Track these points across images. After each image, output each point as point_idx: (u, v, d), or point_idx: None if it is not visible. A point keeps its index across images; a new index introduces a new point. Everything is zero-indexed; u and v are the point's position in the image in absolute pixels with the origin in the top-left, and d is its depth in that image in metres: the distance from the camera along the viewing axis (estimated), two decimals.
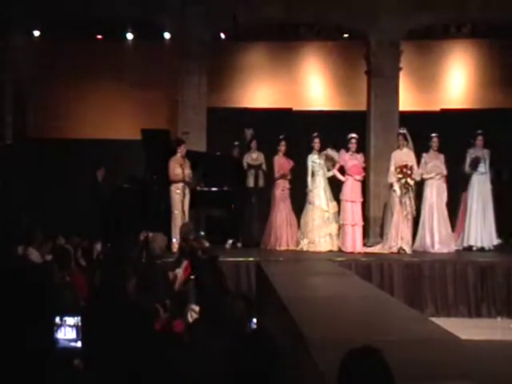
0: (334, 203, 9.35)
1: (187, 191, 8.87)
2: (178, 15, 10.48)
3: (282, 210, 9.47)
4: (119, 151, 11.10)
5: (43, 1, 10.27)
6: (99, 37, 11.51)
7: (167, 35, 10.92)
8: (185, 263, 6.36)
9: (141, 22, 10.81)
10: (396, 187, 9.00)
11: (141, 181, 9.45)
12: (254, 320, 3.49)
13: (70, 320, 4.41)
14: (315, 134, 9.44)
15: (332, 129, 10.37)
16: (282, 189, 9.51)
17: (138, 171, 9.88)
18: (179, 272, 6.26)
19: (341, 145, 9.41)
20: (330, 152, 9.39)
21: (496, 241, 9.27)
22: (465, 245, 9.42)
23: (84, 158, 10.81)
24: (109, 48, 11.46)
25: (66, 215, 10.22)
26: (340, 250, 9.08)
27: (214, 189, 9.47)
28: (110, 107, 11.69)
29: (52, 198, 10.80)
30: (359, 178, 9.28)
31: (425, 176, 9.26)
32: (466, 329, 6.66)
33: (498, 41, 11.56)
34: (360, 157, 9.41)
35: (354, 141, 9.29)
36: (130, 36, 11.35)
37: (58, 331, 4.34)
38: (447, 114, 11.46)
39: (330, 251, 9.08)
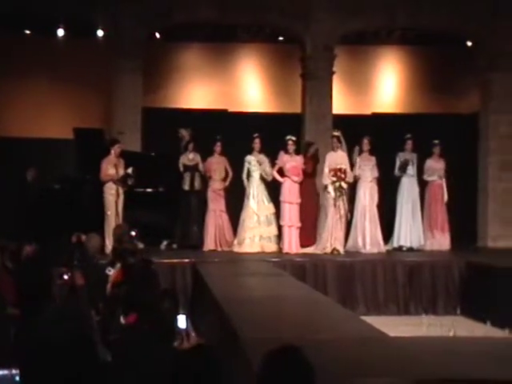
0: (270, 205, 9.46)
1: (121, 192, 8.76)
2: (112, 13, 10.33)
3: (211, 211, 9.50)
4: (51, 151, 10.83)
5: None
6: (28, 32, 11.15)
7: (100, 33, 10.72)
8: (118, 266, 6.29)
9: (72, 18, 10.56)
10: (330, 189, 9.21)
11: (73, 181, 9.26)
12: (181, 317, 3.51)
13: None
14: (256, 135, 9.52)
15: (268, 131, 10.48)
16: (212, 190, 9.54)
17: (70, 171, 9.68)
18: (112, 274, 6.18)
19: (277, 147, 9.52)
20: (260, 157, 9.47)
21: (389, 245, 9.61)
22: (395, 245, 9.76)
23: (13, 158, 10.48)
24: (39, 44, 11.14)
25: None
26: (280, 251, 9.19)
27: (148, 190, 9.39)
28: (41, 105, 11.37)
29: None
30: (297, 179, 9.41)
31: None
32: (395, 326, 6.90)
33: (426, 47, 12.03)
34: (299, 158, 9.55)
35: (290, 142, 9.42)
36: (60, 32, 11.02)
37: None
38: (378, 118, 11.81)
39: (262, 253, 9.15)
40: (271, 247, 9.35)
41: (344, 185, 9.13)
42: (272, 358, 2.12)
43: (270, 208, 9.46)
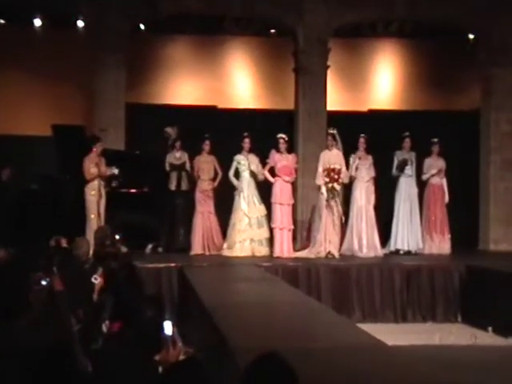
0: (261, 206, 9.45)
1: (103, 192, 8.72)
2: (94, 2, 10.29)
3: (199, 213, 9.48)
4: (28, 149, 10.76)
5: None
6: (1, 21, 11.04)
7: (81, 23, 10.66)
8: (100, 270, 6.26)
9: (50, 6, 10.47)
10: (323, 190, 9.20)
11: (52, 181, 9.21)
12: (167, 324, 3.49)
13: None
14: (246, 134, 9.51)
15: (259, 128, 10.48)
16: (200, 190, 9.52)
17: (49, 171, 9.62)
18: (98, 283, 6.15)
19: (269, 145, 9.52)
20: (250, 157, 9.46)
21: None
22: (392, 249, 9.78)
23: None
24: (14, 34, 11.03)
25: None
26: (272, 256, 9.18)
27: (132, 190, 9.36)
28: (17, 100, 11.28)
29: None
30: (288, 179, 9.40)
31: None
32: (393, 334, 6.91)
33: (425, 41, 12.07)
34: (292, 157, 9.54)
35: (282, 141, 9.41)
36: (38, 22, 10.88)
37: None
38: (375, 115, 11.84)
39: (253, 257, 9.15)
40: (262, 251, 9.34)
41: (337, 186, 9.14)
42: (251, 368, 2.15)
43: (261, 210, 9.45)
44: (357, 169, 9.48)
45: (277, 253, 9.21)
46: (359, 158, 9.48)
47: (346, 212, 9.48)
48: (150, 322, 3.54)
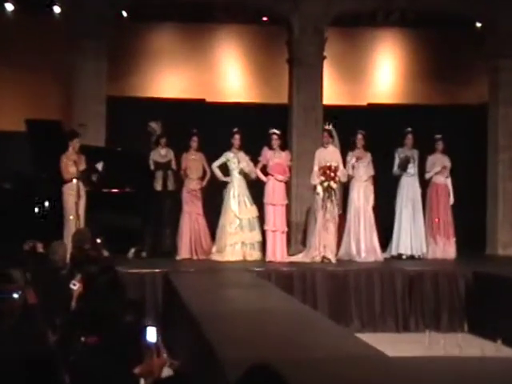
0: (253, 207, 9.44)
1: (83, 192, 8.69)
2: None
3: (186, 214, 9.46)
4: (0, 145, 10.71)
5: None
6: None
7: (57, 9, 10.61)
8: (79, 276, 6.23)
9: None
10: (319, 190, 9.19)
11: (26, 180, 9.16)
12: (151, 330, 3.45)
13: None
14: (235, 130, 9.50)
15: (250, 123, 10.48)
16: (187, 190, 9.51)
17: (23, 169, 9.57)
18: (77, 289, 6.12)
19: (261, 142, 9.51)
20: (240, 155, 9.44)
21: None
22: (394, 253, 9.79)
23: None
24: None
25: None
26: (265, 260, 9.17)
27: (114, 190, 9.33)
28: None
29: None
30: (281, 178, 9.39)
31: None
32: (394, 344, 6.92)
33: (428, 31, 12.11)
34: (285, 155, 9.53)
35: (275, 137, 9.39)
36: (9, 7, 10.79)
37: None
38: (374, 110, 11.86)
39: (244, 261, 9.14)
40: (254, 255, 9.33)
41: (333, 185, 9.13)
42: (242, 380, 2.16)
43: (253, 211, 9.44)
44: (354, 167, 9.48)
45: (269, 257, 9.20)
46: (357, 158, 9.47)
47: (344, 213, 9.48)
48: (129, 327, 3.51)
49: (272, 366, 2.18)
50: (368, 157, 9.59)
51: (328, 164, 9.17)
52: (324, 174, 9.13)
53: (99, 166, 8.69)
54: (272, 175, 9.34)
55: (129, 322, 3.48)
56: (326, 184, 9.11)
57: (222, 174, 9.49)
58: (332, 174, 9.12)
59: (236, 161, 9.48)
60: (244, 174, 9.48)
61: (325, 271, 8.55)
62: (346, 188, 9.66)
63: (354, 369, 3.98)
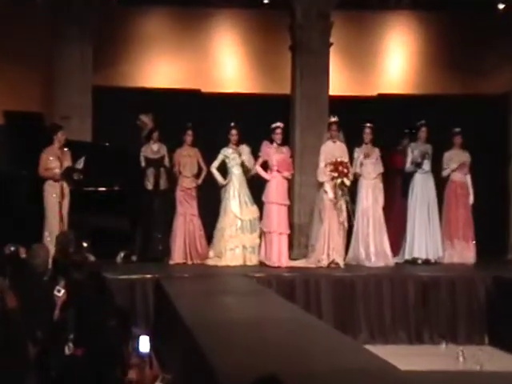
0: (254, 207, 9.43)
1: (67, 191, 8.70)
2: None
3: (180, 215, 9.46)
4: None
5: None
6: None
7: None
8: (62, 283, 6.23)
9: None
10: (328, 188, 9.16)
11: (4, 178, 9.17)
12: (144, 339, 3.45)
13: None
14: (233, 125, 9.51)
15: (250, 116, 10.48)
16: (181, 189, 9.51)
17: (1, 165, 9.57)
18: (60, 293, 6.12)
19: (261, 136, 9.51)
20: (242, 149, 9.42)
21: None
22: (407, 257, 9.76)
23: None
24: None
25: None
26: (262, 264, 9.15)
27: (101, 189, 9.33)
28: None
29: None
30: (287, 174, 9.40)
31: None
32: (406, 357, 6.92)
33: (443, 13, 12.09)
34: (286, 150, 9.54)
35: (279, 131, 9.39)
36: None
37: None
38: (385, 100, 11.86)
39: (245, 266, 9.15)
40: (254, 259, 9.34)
41: (347, 181, 9.10)
42: None
43: (254, 211, 9.45)
44: (362, 164, 9.46)
45: (274, 262, 9.16)
46: (365, 155, 9.44)
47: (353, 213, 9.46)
48: (112, 334, 3.50)
49: (280, 378, 2.17)
50: (376, 152, 9.58)
51: (339, 159, 9.13)
52: (336, 169, 9.09)
53: (79, 164, 8.68)
54: (279, 172, 9.30)
55: (111, 327, 3.48)
56: (339, 181, 9.07)
57: (222, 178, 9.48)
58: (345, 170, 9.10)
59: (236, 156, 9.47)
60: (244, 170, 9.45)
61: (330, 277, 8.56)
62: (354, 186, 9.63)
63: (362, 382, 3.96)
